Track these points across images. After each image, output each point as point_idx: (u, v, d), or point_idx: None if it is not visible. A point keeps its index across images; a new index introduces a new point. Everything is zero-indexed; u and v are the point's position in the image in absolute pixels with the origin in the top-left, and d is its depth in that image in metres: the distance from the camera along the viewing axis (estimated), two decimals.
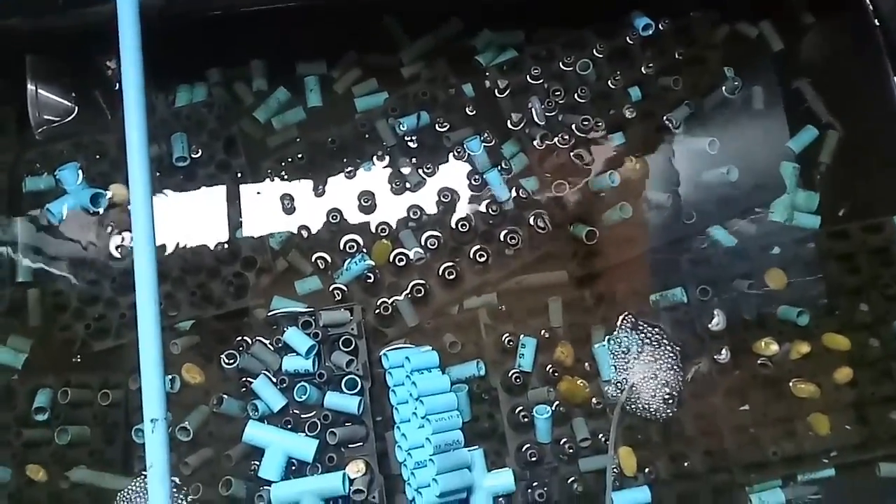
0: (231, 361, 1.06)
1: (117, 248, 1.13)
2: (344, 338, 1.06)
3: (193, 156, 1.15)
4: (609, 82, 1.19)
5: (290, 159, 1.17)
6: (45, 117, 1.15)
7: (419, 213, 1.15)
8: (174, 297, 1.11)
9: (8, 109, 1.17)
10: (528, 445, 1.06)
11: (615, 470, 1.06)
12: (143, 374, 0.83)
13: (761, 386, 1.11)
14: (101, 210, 1.12)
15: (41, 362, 1.10)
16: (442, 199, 1.15)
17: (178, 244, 1.13)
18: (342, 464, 1.02)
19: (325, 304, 1.11)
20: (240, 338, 1.08)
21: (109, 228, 1.14)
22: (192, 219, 1.14)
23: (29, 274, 1.12)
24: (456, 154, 1.16)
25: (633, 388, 1.09)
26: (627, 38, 1.21)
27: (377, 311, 1.11)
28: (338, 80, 1.21)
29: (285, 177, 1.16)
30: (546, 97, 1.19)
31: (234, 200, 1.16)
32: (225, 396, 1.05)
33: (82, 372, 1.09)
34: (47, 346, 1.10)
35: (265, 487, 1.02)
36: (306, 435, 1.03)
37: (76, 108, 1.16)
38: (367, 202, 1.15)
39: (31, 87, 1.12)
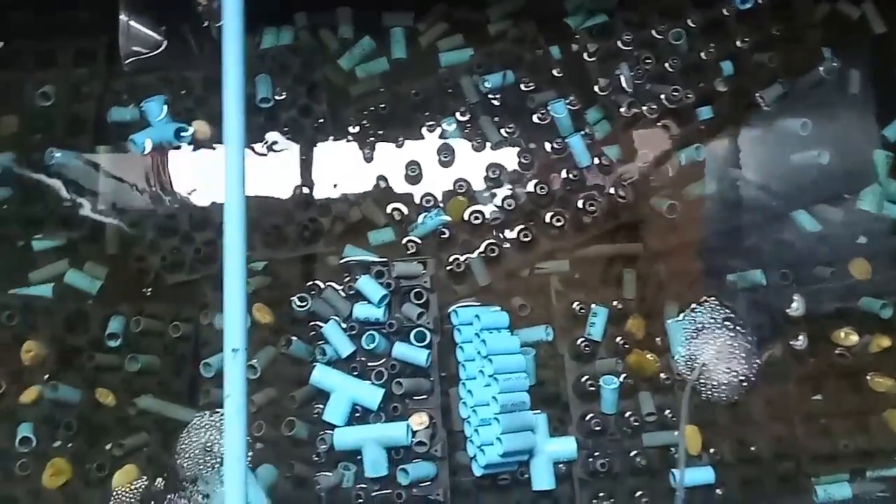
0: (302, 304, 1.07)
1: (191, 192, 1.16)
2: (416, 290, 1.06)
3: (277, 98, 1.15)
4: (701, 54, 1.16)
5: (372, 108, 1.16)
6: (135, 49, 1.16)
7: (498, 172, 1.13)
8: (248, 237, 1.11)
9: (99, 40, 1.18)
10: (591, 415, 1.05)
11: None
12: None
13: (837, 376, 1.08)
14: (182, 145, 1.13)
15: (115, 290, 1.11)
16: (522, 160, 1.14)
17: (255, 185, 1.13)
18: (405, 415, 1.02)
19: (396, 256, 1.10)
20: (311, 282, 1.09)
21: (190, 163, 1.15)
22: (270, 161, 1.14)
23: (109, 203, 1.14)
24: (540, 116, 1.15)
25: (704, 368, 1.09)
26: (724, 11, 1.18)
27: (449, 267, 1.10)
28: (423, 33, 1.20)
29: (366, 126, 1.15)
30: (636, 65, 1.16)
31: (313, 146, 1.16)
32: (294, 338, 1.06)
33: (154, 303, 1.10)
34: (122, 276, 1.12)
35: (327, 431, 1.02)
36: (372, 383, 1.03)
37: (165, 42, 1.17)
38: (447, 157, 1.14)
39: (122, 18, 1.13)
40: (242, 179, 0.87)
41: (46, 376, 1.05)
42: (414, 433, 1.01)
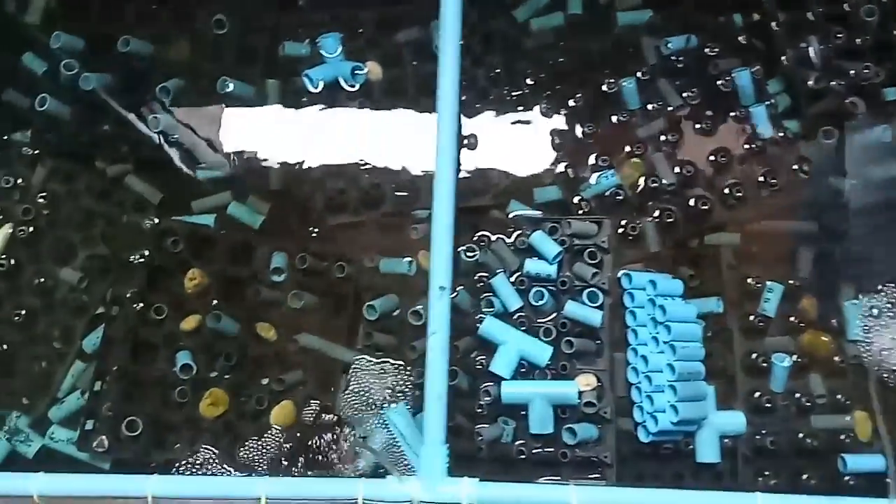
0: (471, 255, 1.04)
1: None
2: (589, 250, 1.04)
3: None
4: (895, 32, 1.11)
5: (549, 62, 1.13)
6: None
7: (677, 137, 1.10)
8: (416, 184, 1.09)
9: None
10: (759, 392, 1.02)
11: (851, 434, 1.00)
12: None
13: None
14: (356, 86, 1.12)
15: (278, 226, 1.10)
16: (704, 125, 1.11)
17: (422, 132, 1.09)
18: (571, 375, 1.00)
19: (560, 214, 1.06)
20: (479, 233, 1.06)
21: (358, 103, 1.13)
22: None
23: (274, 138, 1.13)
24: (724, 84, 1.11)
25: (882, 354, 1.07)
26: None
27: (620, 230, 1.07)
28: None
29: (541, 79, 1.12)
30: (825, 38, 1.11)
31: (484, 97, 1.13)
32: (460, 288, 1.03)
33: (317, 242, 1.09)
34: (285, 212, 1.11)
35: (488, 383, 0.99)
36: (540, 340, 1.01)
37: None
38: (625, 118, 1.11)
39: None
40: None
41: (215, 302, 1.03)
42: (580, 393, 0.99)
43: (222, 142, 1.12)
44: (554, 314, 1.03)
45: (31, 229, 1.06)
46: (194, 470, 0.99)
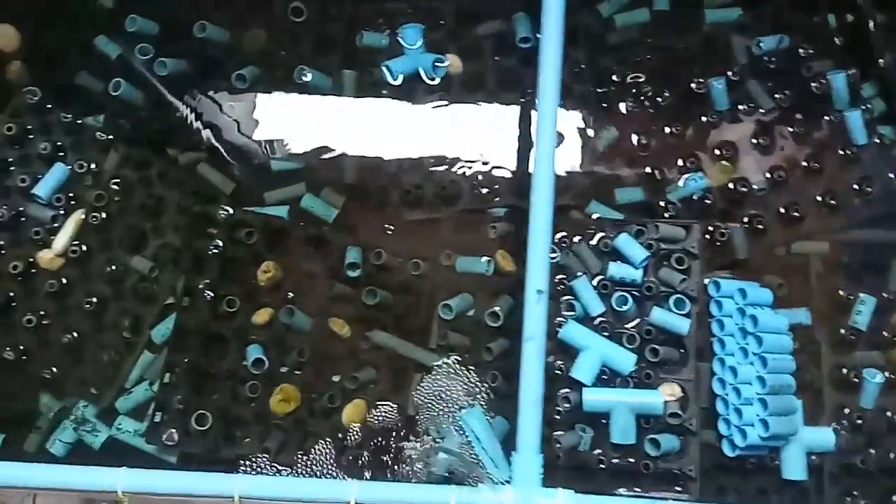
0: (552, 256, 1.00)
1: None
2: (676, 255, 1.00)
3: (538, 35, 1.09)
4: None
5: (636, 59, 1.09)
6: None
7: (767, 140, 1.07)
8: (495, 182, 1.06)
9: None
10: (848, 408, 0.99)
11: None
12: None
13: None
14: (436, 78, 1.09)
15: (352, 220, 1.07)
16: (796, 129, 1.07)
17: (502, 127, 1.07)
18: (654, 384, 0.97)
19: (642, 216, 1.03)
20: (559, 235, 1.04)
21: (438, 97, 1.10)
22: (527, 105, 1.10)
23: (348, 129, 1.10)
24: (817, 87, 1.07)
25: None
26: None
27: (707, 235, 1.03)
28: None
29: (627, 77, 1.09)
30: None
31: (567, 93, 1.07)
32: (539, 291, 1.01)
33: (392, 238, 1.06)
34: (359, 206, 1.08)
35: (566, 389, 0.97)
36: (623, 346, 0.98)
37: None
38: (714, 119, 1.07)
39: None
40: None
41: (290, 295, 1.01)
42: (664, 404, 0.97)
43: (297, 132, 1.09)
44: (636, 320, 1.00)
45: (103, 215, 1.04)
46: (263, 467, 0.96)
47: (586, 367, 0.97)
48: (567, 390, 0.98)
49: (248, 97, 1.11)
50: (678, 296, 0.99)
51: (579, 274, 1.01)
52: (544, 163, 0.83)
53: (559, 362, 1.00)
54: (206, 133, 1.09)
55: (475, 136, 1.09)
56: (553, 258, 1.02)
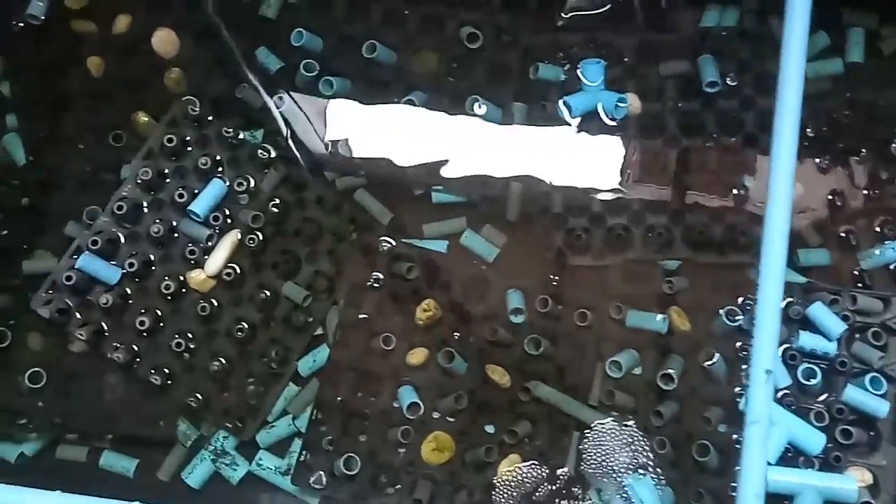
0: (734, 319, 0.95)
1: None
2: (873, 329, 0.93)
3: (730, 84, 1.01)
4: None
5: (831, 114, 1.02)
6: (578, 3, 1.07)
7: None
8: (670, 231, 0.99)
9: None
10: None
11: None
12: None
13: None
14: (618, 119, 1.02)
15: (514, 261, 1.01)
16: None
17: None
18: (842, 467, 0.89)
19: (827, 281, 0.95)
20: (742, 297, 0.97)
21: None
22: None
23: (514, 165, 1.04)
24: None
25: None
26: None
27: None
28: (885, 39, 1.05)
29: (817, 130, 1.00)
30: None
31: (751, 143, 1.01)
32: (718, 354, 0.95)
33: (556, 284, 0.98)
34: (522, 247, 1.01)
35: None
36: (810, 423, 0.90)
37: (609, 3, 1.06)
38: None
39: None
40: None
41: (456, 335, 0.95)
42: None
43: (461, 163, 1.04)
44: (823, 395, 0.93)
45: (260, 237, 0.98)
46: None
47: (771, 444, 0.92)
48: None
49: (414, 123, 1.05)
50: (875, 374, 0.91)
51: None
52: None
53: (735, 434, 0.95)
54: (364, 158, 1.04)
55: (648, 181, 1.03)
56: (736, 321, 0.97)
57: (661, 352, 0.98)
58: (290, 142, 1.05)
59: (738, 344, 0.96)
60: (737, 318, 0.95)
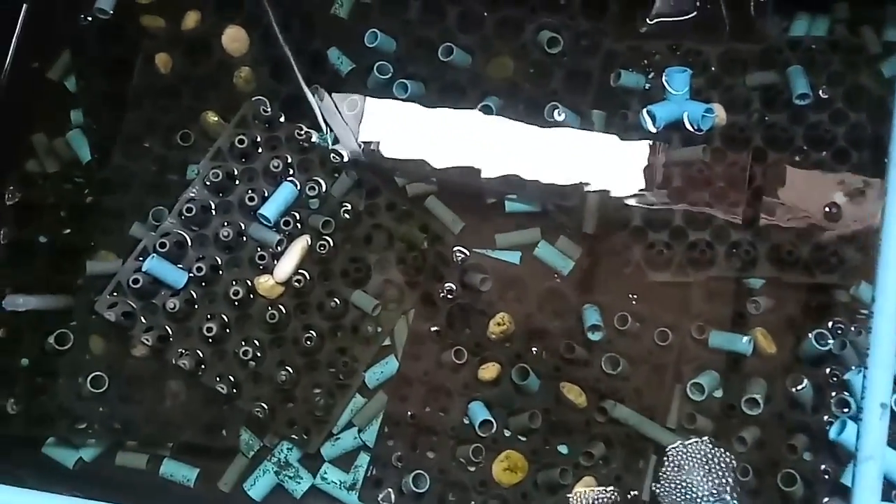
0: (824, 343, 0.90)
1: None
2: None
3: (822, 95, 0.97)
4: None
5: None
6: (664, 10, 1.01)
7: None
8: (755, 248, 0.94)
9: None
10: None
11: None
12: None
13: None
14: (704, 130, 0.97)
15: (590, 275, 0.97)
16: None
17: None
18: None
19: None
20: (832, 321, 0.92)
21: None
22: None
23: (592, 175, 1.00)
24: None
25: None
26: None
27: None
28: None
29: None
30: None
31: (842, 158, 0.96)
32: (806, 379, 0.91)
33: (635, 300, 0.94)
34: (598, 261, 0.97)
35: (826, 499, 0.85)
36: None
37: (697, 7, 1.02)
38: None
39: None
40: None
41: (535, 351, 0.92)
42: None
43: (536, 172, 0.99)
44: None
45: (330, 243, 0.95)
46: None
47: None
48: (827, 500, 0.87)
49: (489, 129, 0.99)
50: None
51: (855, 367, 0.90)
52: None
53: (823, 465, 0.89)
54: (434, 163, 1.00)
55: (733, 195, 0.97)
56: (825, 346, 0.91)
57: (744, 374, 0.94)
58: (360, 146, 1.02)
59: (828, 370, 0.92)
60: (827, 342, 0.90)
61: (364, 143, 1.03)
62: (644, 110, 0.99)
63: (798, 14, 1.03)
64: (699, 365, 0.94)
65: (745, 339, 0.93)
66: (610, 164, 1.01)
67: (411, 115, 1.03)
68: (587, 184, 1.01)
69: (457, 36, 1.04)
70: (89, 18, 1.05)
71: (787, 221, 0.97)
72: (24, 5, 1.08)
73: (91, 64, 1.06)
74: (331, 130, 1.03)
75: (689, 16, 1.02)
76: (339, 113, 1.04)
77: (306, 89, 1.01)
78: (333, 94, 1.04)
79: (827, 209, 0.97)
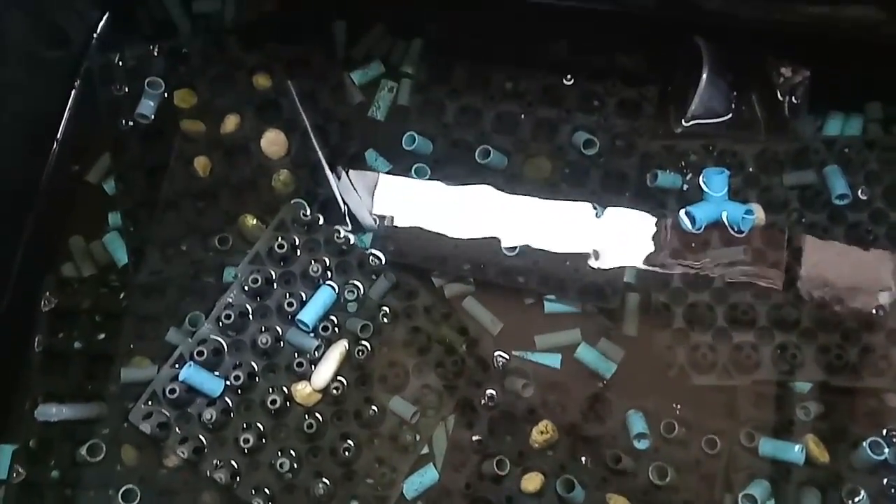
0: (878, 453, 0.87)
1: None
2: None
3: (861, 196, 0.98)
4: None
5: None
6: (700, 112, 0.99)
7: None
8: (801, 350, 0.92)
9: (645, 90, 1.01)
10: None
11: None
12: None
13: None
14: (745, 231, 0.97)
15: (632, 378, 0.95)
16: None
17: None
18: None
19: None
20: (886, 428, 0.89)
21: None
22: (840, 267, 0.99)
23: (634, 277, 0.98)
24: None
25: None
26: None
27: None
28: None
29: None
30: None
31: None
32: (863, 491, 0.87)
33: (678, 406, 0.91)
34: (640, 364, 0.96)
35: None
36: None
37: (733, 110, 1.01)
38: None
39: (704, 77, 0.97)
40: None
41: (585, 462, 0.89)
42: None
43: (575, 272, 0.98)
44: None
45: (368, 347, 0.94)
46: None
47: None
48: None
49: (525, 229, 1.00)
50: None
51: None
52: None
53: None
54: (473, 264, 0.98)
55: (777, 296, 0.95)
56: (880, 454, 0.89)
57: (797, 484, 0.90)
58: (392, 247, 1.00)
59: (885, 480, 0.90)
60: (883, 450, 0.88)
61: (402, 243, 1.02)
62: (682, 211, 0.99)
63: (832, 114, 1.04)
64: (750, 474, 0.91)
65: (798, 447, 0.90)
66: (646, 265, 1.00)
67: (445, 215, 1.03)
68: (628, 283, 0.99)
69: (492, 137, 1.05)
70: (130, 123, 1.06)
71: (833, 323, 0.94)
72: (67, 110, 1.10)
73: (130, 167, 1.06)
74: (363, 231, 1.03)
75: (726, 118, 1.03)
76: (371, 215, 1.04)
77: (337, 192, 1.02)
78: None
79: (873, 311, 0.96)
